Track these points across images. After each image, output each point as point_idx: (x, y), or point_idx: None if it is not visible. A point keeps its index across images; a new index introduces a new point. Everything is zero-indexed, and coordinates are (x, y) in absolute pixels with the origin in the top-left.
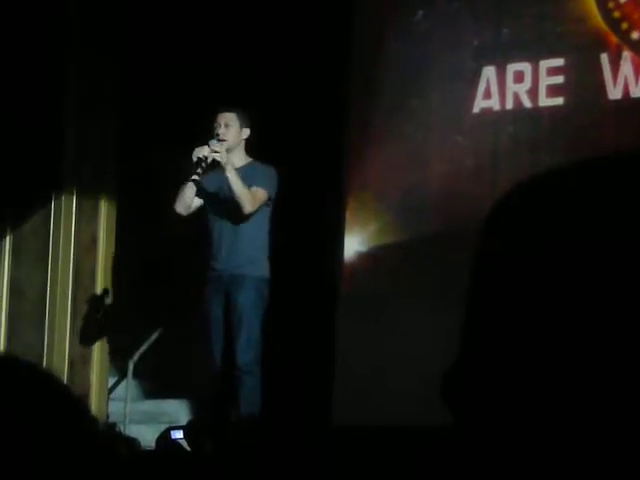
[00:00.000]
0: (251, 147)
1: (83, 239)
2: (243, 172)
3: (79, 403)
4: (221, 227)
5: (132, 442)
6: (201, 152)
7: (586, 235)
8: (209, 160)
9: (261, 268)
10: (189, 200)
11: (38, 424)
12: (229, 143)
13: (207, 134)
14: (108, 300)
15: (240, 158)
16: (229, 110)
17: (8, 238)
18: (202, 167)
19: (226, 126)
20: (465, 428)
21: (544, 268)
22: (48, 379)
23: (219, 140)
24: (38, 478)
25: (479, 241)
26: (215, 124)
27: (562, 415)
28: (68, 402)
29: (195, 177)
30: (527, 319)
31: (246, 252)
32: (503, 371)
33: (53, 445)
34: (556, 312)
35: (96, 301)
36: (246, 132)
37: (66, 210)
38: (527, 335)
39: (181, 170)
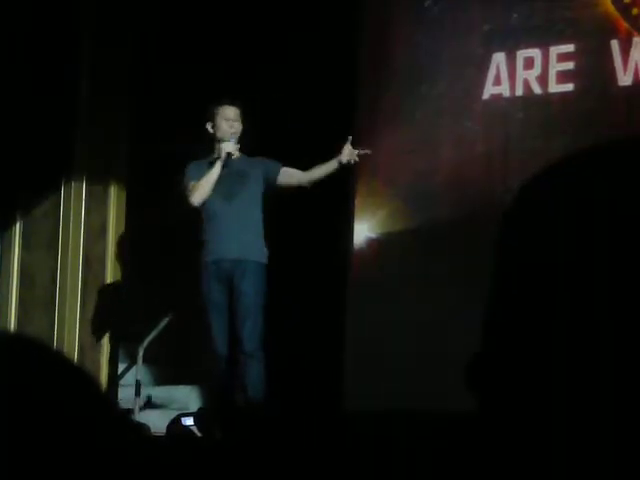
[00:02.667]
0: (260, 134)
1: (93, 225)
2: (244, 162)
3: (93, 383)
4: (222, 214)
5: (142, 427)
6: (228, 147)
7: (606, 223)
8: (234, 156)
9: (261, 254)
10: (207, 194)
11: (49, 402)
12: (237, 136)
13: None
14: (118, 285)
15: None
16: (237, 105)
17: (18, 224)
18: (227, 162)
19: (236, 120)
20: (490, 417)
21: (566, 259)
22: (59, 358)
23: (233, 134)
24: (52, 457)
25: (500, 233)
26: (226, 118)
27: (586, 406)
28: (81, 381)
29: (213, 170)
30: (550, 309)
31: (249, 238)
32: (528, 361)
33: (66, 424)
34: (579, 302)
35: (106, 286)
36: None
37: (76, 196)
38: (551, 325)
39: (191, 156)
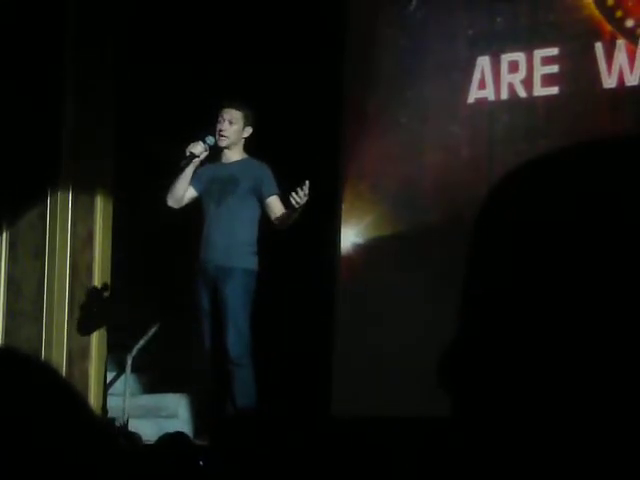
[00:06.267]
0: (247, 139)
1: (80, 234)
2: (237, 167)
3: (77, 396)
4: (211, 219)
5: (133, 436)
6: (194, 148)
7: (583, 218)
8: (202, 157)
9: (248, 260)
10: (180, 193)
11: (36, 416)
12: (229, 140)
13: (205, 128)
14: (106, 295)
15: (237, 154)
16: (236, 108)
17: (5, 233)
18: (194, 163)
19: (229, 123)
20: (462, 413)
21: (541, 253)
22: (46, 371)
23: (220, 136)
24: (37, 471)
25: (475, 228)
26: (219, 118)
27: (561, 400)
28: (66, 394)
29: (185, 170)
30: (524, 304)
31: (233, 244)
32: (500, 355)
33: (51, 438)
34: (553, 299)
35: (94, 296)
36: (248, 131)
37: (62, 205)
38: (524, 320)
39: (178, 165)
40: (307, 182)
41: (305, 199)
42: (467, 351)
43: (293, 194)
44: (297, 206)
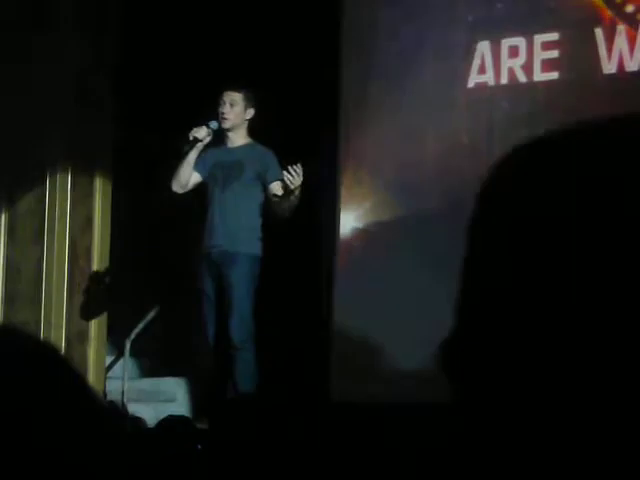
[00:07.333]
0: (250, 123)
1: (78, 218)
2: (242, 152)
3: (79, 377)
4: (216, 204)
5: (137, 421)
6: (198, 132)
7: (583, 204)
8: (205, 142)
9: (252, 246)
10: (185, 178)
11: (36, 397)
12: (231, 122)
13: (205, 113)
14: (105, 278)
15: (241, 137)
16: (235, 90)
17: (3, 217)
18: (197, 147)
19: (231, 105)
20: (463, 400)
21: (542, 241)
22: (47, 351)
23: (222, 118)
24: (39, 452)
25: (475, 211)
26: (220, 102)
27: (561, 389)
28: (68, 375)
29: (189, 155)
30: (523, 289)
31: (238, 230)
32: (500, 342)
33: (53, 420)
34: (554, 283)
35: (93, 279)
36: (250, 112)
37: (61, 189)
38: (524, 305)
39: (178, 148)
40: (299, 164)
41: (299, 179)
42: (467, 339)
43: (285, 173)
44: (292, 186)
